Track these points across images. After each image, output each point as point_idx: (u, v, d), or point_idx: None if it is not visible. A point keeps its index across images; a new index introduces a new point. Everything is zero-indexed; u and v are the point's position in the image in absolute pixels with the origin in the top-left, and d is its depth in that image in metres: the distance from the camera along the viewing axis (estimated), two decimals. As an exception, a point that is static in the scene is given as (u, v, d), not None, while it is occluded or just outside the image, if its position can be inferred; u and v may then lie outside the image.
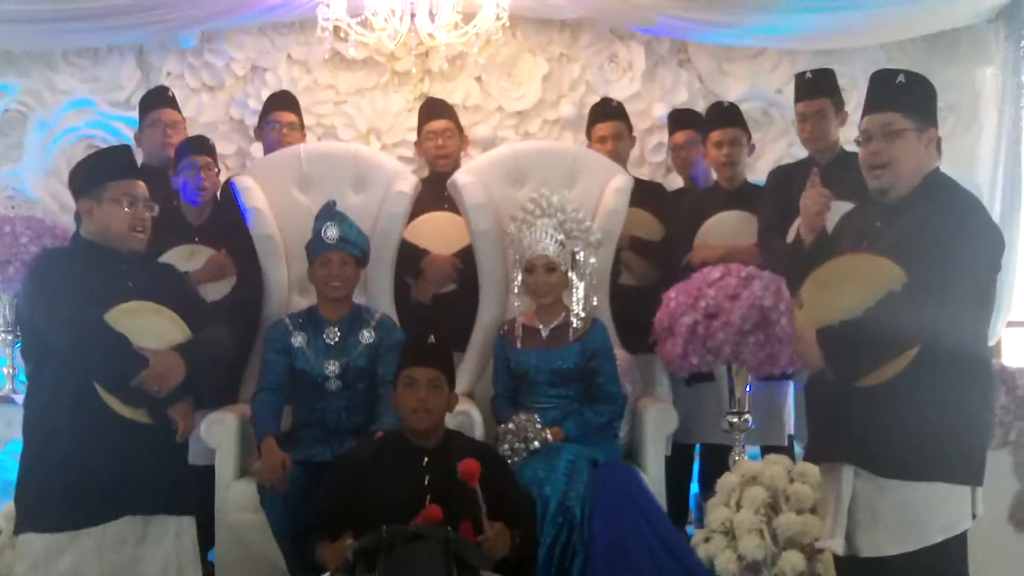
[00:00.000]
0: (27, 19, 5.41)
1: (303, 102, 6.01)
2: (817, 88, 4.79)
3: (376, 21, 5.11)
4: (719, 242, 5.08)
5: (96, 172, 3.73)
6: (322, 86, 6.18)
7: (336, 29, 5.17)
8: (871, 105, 3.37)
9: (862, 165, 3.37)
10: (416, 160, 6.01)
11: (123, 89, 6.10)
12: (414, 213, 5.27)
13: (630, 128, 5.66)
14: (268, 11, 5.71)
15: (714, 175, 5.40)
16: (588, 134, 5.64)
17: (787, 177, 4.83)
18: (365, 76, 6.21)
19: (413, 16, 5.02)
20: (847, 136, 4.55)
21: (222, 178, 5.30)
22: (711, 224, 5.15)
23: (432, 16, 5.07)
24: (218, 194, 5.22)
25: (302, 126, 5.66)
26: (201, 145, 5.11)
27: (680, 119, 5.63)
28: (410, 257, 5.24)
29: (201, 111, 6.12)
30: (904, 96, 3.31)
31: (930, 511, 3.16)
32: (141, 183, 3.74)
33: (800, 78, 4.89)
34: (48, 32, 5.67)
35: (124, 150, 3.87)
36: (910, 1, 5.43)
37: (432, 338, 3.91)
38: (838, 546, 3.27)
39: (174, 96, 5.54)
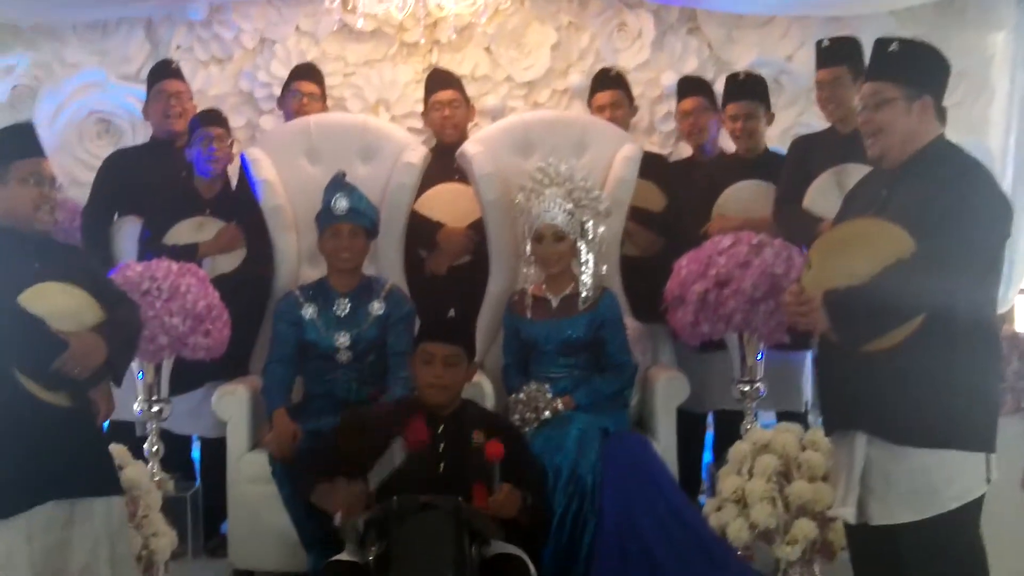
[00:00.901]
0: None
1: (312, 74, 6.04)
2: (834, 56, 4.75)
3: (384, -9, 5.10)
4: (737, 212, 5.06)
5: (3, 150, 3.62)
6: (331, 58, 6.15)
7: (344, 1, 5.15)
8: (868, 74, 3.38)
9: (862, 134, 3.39)
10: (424, 131, 6.00)
11: (132, 62, 6.09)
12: (424, 185, 5.27)
13: (631, 97, 5.65)
14: (276, -18, 5.70)
15: (725, 144, 5.38)
16: (588, 104, 5.65)
17: (808, 148, 4.84)
18: (374, 48, 6.19)
19: (421, -13, 5.01)
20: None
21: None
22: (729, 193, 5.12)
23: (440, -13, 5.06)
24: (229, 169, 5.22)
25: (324, 97, 5.66)
26: (214, 117, 5.10)
27: (688, 86, 5.59)
28: (424, 230, 5.24)
29: (210, 84, 6.11)
30: (896, 64, 3.29)
31: (945, 478, 3.15)
32: (46, 161, 3.63)
33: (818, 46, 4.86)
34: (57, 5, 5.66)
35: (26, 127, 3.72)
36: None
37: (452, 312, 3.90)
38: (850, 514, 3.25)
39: (178, 67, 5.51)
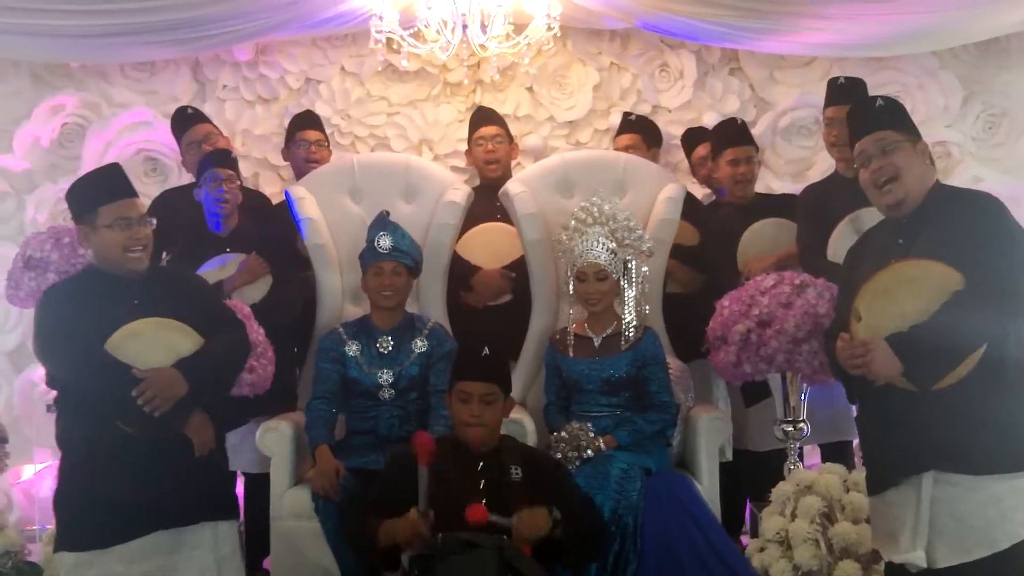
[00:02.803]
0: (84, 34, 5.45)
1: (356, 113, 6.14)
2: (847, 94, 4.77)
3: (428, 33, 5.14)
4: (762, 251, 5.06)
5: (87, 198, 3.70)
6: (375, 97, 6.23)
7: (389, 41, 5.20)
8: (859, 131, 3.52)
9: (868, 188, 3.50)
10: (468, 170, 6.05)
11: (179, 101, 6.13)
12: (467, 225, 5.31)
13: (652, 142, 5.71)
14: (321, 24, 5.74)
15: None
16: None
17: (819, 195, 4.90)
18: (417, 87, 6.25)
19: (465, 27, 5.05)
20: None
21: (273, 188, 5.34)
22: (749, 234, 5.12)
23: (484, 27, 5.10)
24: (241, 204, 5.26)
25: (328, 142, 5.74)
26: (223, 158, 5.10)
27: (696, 136, 5.69)
28: (461, 272, 5.27)
29: (255, 123, 6.18)
30: (887, 115, 3.49)
31: (1014, 505, 3.19)
32: (132, 201, 3.68)
33: (831, 83, 4.90)
34: (105, 46, 5.72)
35: (113, 170, 3.81)
36: (959, 7, 5.37)
37: (486, 350, 3.91)
38: (920, 559, 3.25)
39: (196, 110, 5.58)
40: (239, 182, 5.16)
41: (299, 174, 5.57)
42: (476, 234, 5.37)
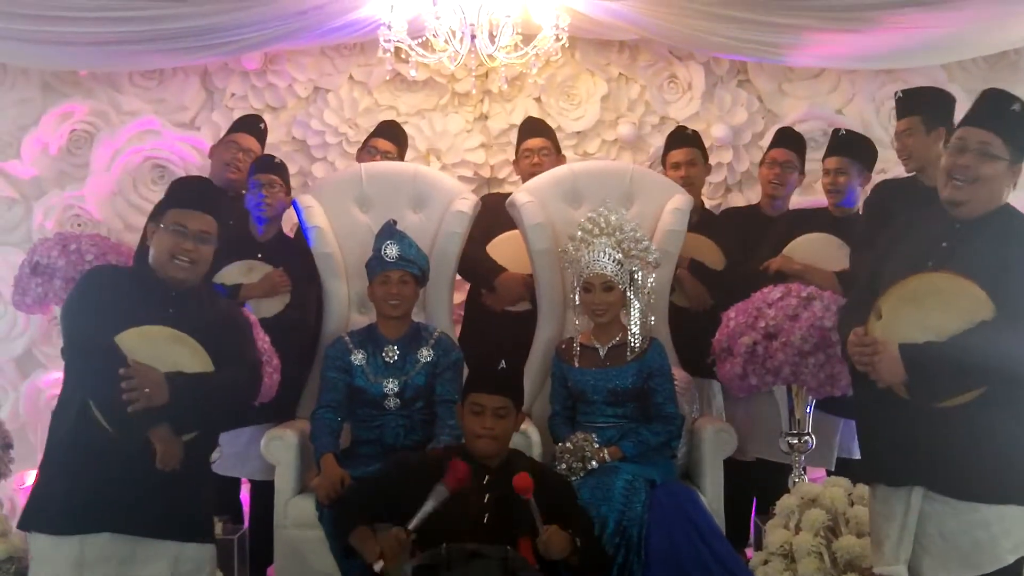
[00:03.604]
0: (93, 42, 5.47)
1: (364, 123, 6.15)
2: (906, 107, 4.77)
3: (437, 42, 5.14)
4: (803, 260, 5.06)
5: (167, 199, 3.77)
6: (383, 107, 6.24)
7: (397, 50, 5.21)
8: (974, 119, 3.32)
9: (942, 172, 3.33)
10: (475, 179, 6.08)
11: (187, 110, 6.19)
12: (501, 228, 5.35)
13: (705, 156, 5.67)
14: (330, 33, 5.76)
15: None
16: (663, 161, 5.69)
17: (891, 193, 4.86)
18: (425, 97, 6.27)
19: (473, 37, 5.05)
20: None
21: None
22: (800, 242, 5.14)
23: (492, 37, 5.09)
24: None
25: (401, 157, 5.71)
26: (268, 164, 5.16)
27: (783, 138, 5.58)
28: (487, 271, 5.31)
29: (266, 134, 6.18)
30: (1010, 123, 3.27)
31: (1004, 531, 3.15)
32: (202, 216, 3.69)
33: (895, 98, 4.89)
34: (114, 54, 5.73)
35: (198, 182, 3.90)
36: (968, 21, 5.37)
37: (503, 363, 3.90)
38: (902, 572, 3.23)
39: (265, 129, 5.58)
40: (284, 188, 5.18)
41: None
42: (508, 239, 5.38)
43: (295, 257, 5.11)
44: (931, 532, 3.21)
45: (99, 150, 6.08)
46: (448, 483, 3.61)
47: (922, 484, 3.22)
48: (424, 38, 5.16)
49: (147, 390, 3.44)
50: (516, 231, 5.32)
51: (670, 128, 6.05)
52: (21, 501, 5.60)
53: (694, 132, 5.70)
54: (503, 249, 5.38)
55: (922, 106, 4.73)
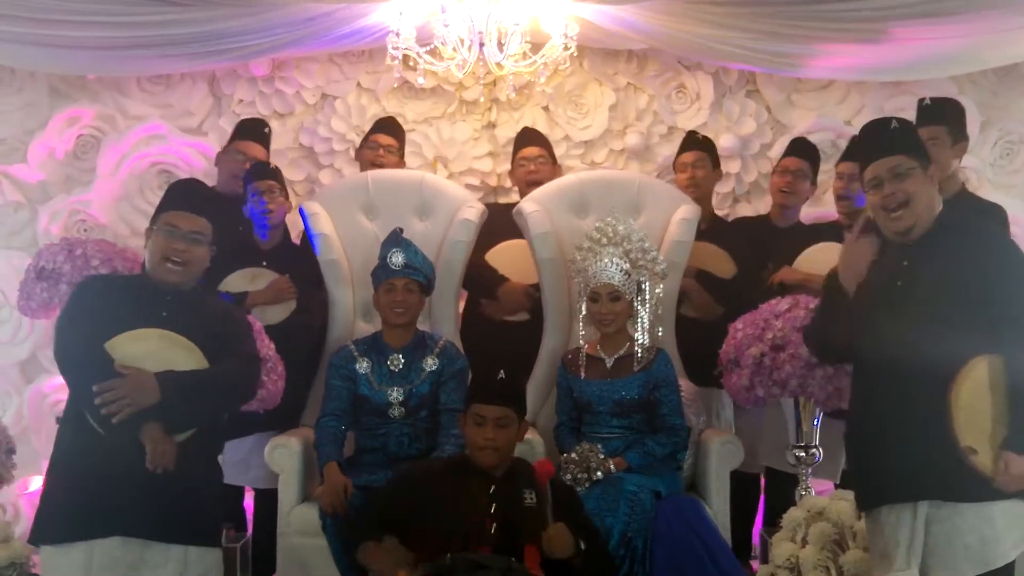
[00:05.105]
0: (101, 46, 5.46)
1: (371, 130, 6.11)
2: (934, 115, 4.70)
3: (445, 50, 5.13)
4: (810, 270, 5.02)
5: (162, 203, 3.78)
6: (390, 114, 6.22)
7: (405, 58, 5.20)
8: (872, 154, 3.49)
9: (877, 212, 3.48)
10: (482, 188, 6.06)
11: (194, 116, 6.18)
12: (500, 238, 5.35)
13: (716, 163, 5.65)
14: (338, 40, 5.74)
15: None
16: (674, 165, 5.69)
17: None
18: (433, 104, 6.26)
19: (482, 45, 5.03)
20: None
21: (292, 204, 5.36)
22: (809, 253, 5.11)
23: (500, 45, 5.08)
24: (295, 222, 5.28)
25: (401, 152, 5.75)
26: (263, 171, 5.15)
27: (797, 147, 5.56)
28: (488, 280, 5.30)
29: (271, 138, 6.17)
30: (902, 140, 3.47)
31: (1008, 526, 3.20)
32: (192, 216, 3.70)
33: (919, 104, 4.79)
34: (122, 59, 5.72)
35: (188, 184, 3.91)
36: (978, 34, 5.36)
37: (503, 373, 3.88)
38: None
39: (269, 133, 5.61)
40: (283, 193, 5.19)
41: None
42: (509, 248, 5.38)
43: (300, 264, 5.11)
44: (938, 535, 3.25)
45: (106, 155, 6.08)
46: (538, 477, 3.69)
47: (929, 497, 3.25)
48: (432, 46, 5.15)
49: (131, 397, 3.45)
50: (516, 240, 5.33)
51: (678, 138, 6.03)
52: (24, 506, 5.63)
53: (705, 137, 5.70)
54: (503, 258, 5.36)
55: (949, 117, 4.64)
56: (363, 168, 5.62)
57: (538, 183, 5.50)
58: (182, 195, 3.79)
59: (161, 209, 3.74)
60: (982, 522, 3.19)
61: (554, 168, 5.70)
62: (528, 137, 5.76)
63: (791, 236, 5.32)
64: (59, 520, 3.50)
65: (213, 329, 3.70)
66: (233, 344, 3.78)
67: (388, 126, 5.75)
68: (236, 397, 3.86)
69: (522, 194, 5.59)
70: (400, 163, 5.71)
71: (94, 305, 3.61)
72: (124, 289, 3.72)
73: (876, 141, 3.51)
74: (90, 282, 3.86)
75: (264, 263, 5.09)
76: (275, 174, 5.20)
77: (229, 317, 3.91)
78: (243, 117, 5.91)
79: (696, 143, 5.61)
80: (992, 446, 3.20)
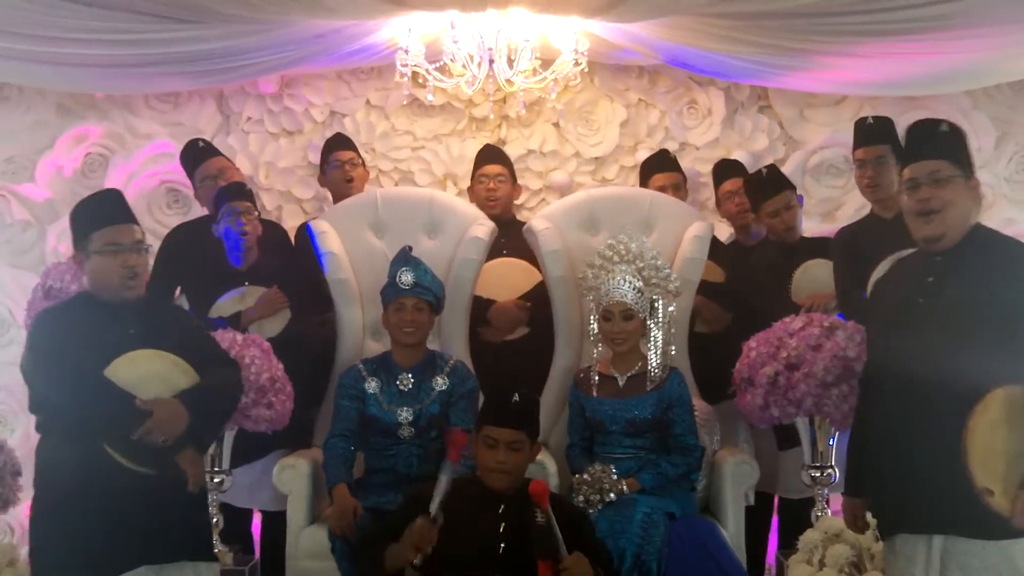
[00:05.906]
0: (110, 64, 5.45)
1: (380, 147, 6.16)
2: (877, 134, 4.68)
3: (454, 67, 5.11)
4: (814, 289, 4.95)
5: (82, 223, 3.68)
6: (399, 131, 6.22)
7: (414, 75, 5.18)
8: (915, 154, 3.36)
9: (908, 214, 3.36)
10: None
11: (203, 134, 6.13)
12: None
13: (685, 179, 5.69)
14: (347, 57, 5.74)
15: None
16: (645, 185, 5.67)
17: (855, 238, 4.77)
18: (442, 122, 6.24)
19: (491, 62, 5.01)
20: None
21: (296, 221, 5.32)
22: (801, 273, 5.03)
23: (510, 62, 5.06)
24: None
25: (363, 162, 5.75)
26: (238, 191, 5.05)
27: (727, 168, 5.62)
28: (476, 309, 5.23)
29: (279, 156, 6.17)
30: (948, 144, 3.33)
31: None
32: (130, 227, 3.66)
33: (859, 124, 4.79)
34: (130, 77, 5.72)
35: (109, 195, 3.81)
36: (993, 48, 5.31)
37: (516, 396, 3.81)
38: None
39: (207, 143, 5.54)
40: (257, 213, 5.10)
41: (338, 197, 5.58)
42: (486, 271, 5.29)
43: (285, 275, 5.04)
44: (954, 570, 3.16)
45: (114, 173, 6.08)
46: (452, 457, 3.60)
47: (945, 532, 3.16)
48: (442, 62, 5.13)
49: (170, 426, 3.47)
50: (498, 260, 5.33)
51: (689, 154, 6.02)
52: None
53: (674, 156, 5.80)
54: (485, 282, 5.29)
55: (893, 136, 4.62)
56: (335, 192, 5.64)
57: (496, 200, 5.53)
58: (110, 208, 3.70)
59: (89, 229, 3.63)
60: (1001, 562, 3.09)
61: (513, 187, 5.69)
62: (489, 155, 5.73)
63: (797, 249, 5.25)
64: (82, 560, 3.44)
65: (181, 336, 3.71)
66: (203, 345, 3.83)
67: (342, 142, 5.73)
68: (236, 401, 3.95)
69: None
70: (367, 172, 5.78)
71: (59, 336, 3.54)
72: (80, 314, 3.63)
73: (921, 142, 3.36)
74: (44, 317, 3.73)
75: (246, 283, 5.00)
76: (250, 194, 5.10)
77: (187, 319, 3.97)
78: (253, 135, 5.89)
79: (670, 163, 5.70)
80: (1009, 486, 3.06)
